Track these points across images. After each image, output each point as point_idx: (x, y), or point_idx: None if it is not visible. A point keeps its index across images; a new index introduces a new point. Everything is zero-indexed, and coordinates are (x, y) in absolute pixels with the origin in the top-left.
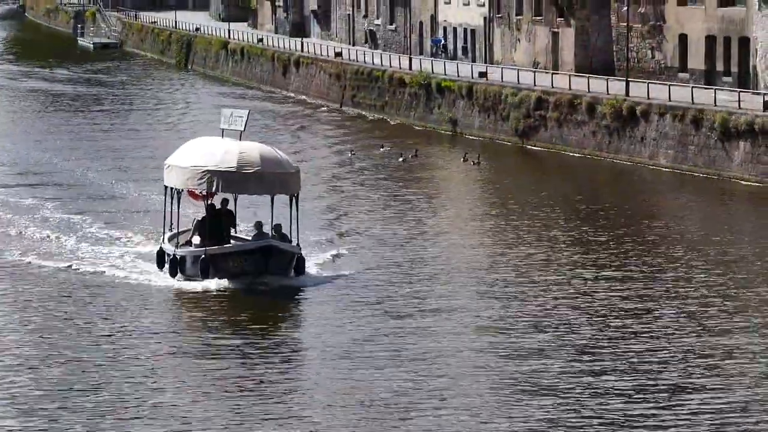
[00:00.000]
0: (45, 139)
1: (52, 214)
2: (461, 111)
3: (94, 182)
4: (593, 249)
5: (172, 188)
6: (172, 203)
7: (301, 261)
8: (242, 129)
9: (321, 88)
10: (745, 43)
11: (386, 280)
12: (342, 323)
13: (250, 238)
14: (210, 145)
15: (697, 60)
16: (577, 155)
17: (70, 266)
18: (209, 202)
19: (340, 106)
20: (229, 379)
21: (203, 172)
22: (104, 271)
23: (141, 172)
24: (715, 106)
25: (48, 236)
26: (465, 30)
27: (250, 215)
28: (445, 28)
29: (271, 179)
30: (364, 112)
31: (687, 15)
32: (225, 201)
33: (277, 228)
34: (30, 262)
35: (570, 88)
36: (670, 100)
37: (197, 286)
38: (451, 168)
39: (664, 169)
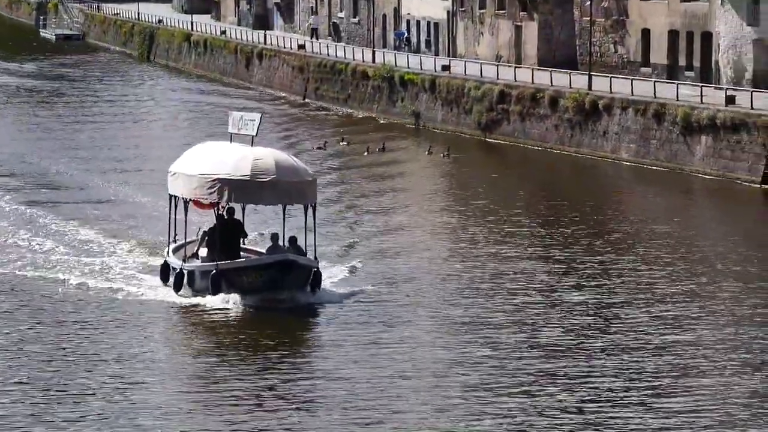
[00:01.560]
0: (13, 136)
1: (38, 220)
2: (424, 104)
3: (77, 183)
4: (557, 245)
5: (177, 197)
6: (176, 213)
7: (317, 276)
8: (254, 134)
9: (284, 80)
10: (707, 37)
11: (403, 294)
12: (363, 345)
13: (260, 250)
14: (219, 151)
15: (659, 54)
16: (540, 149)
17: (64, 279)
18: (219, 212)
19: (304, 99)
20: (241, 404)
21: (214, 180)
22: (101, 285)
23: (122, 172)
24: (678, 100)
25: (37, 244)
26: (428, 23)
27: (252, 225)
28: (408, 22)
29: (286, 188)
30: (327, 105)
31: (650, 9)
32: (231, 210)
33: (292, 240)
34: (18, 274)
35: (533, 82)
36: (632, 95)
37: (206, 302)
38: (420, 162)
39: (626, 163)
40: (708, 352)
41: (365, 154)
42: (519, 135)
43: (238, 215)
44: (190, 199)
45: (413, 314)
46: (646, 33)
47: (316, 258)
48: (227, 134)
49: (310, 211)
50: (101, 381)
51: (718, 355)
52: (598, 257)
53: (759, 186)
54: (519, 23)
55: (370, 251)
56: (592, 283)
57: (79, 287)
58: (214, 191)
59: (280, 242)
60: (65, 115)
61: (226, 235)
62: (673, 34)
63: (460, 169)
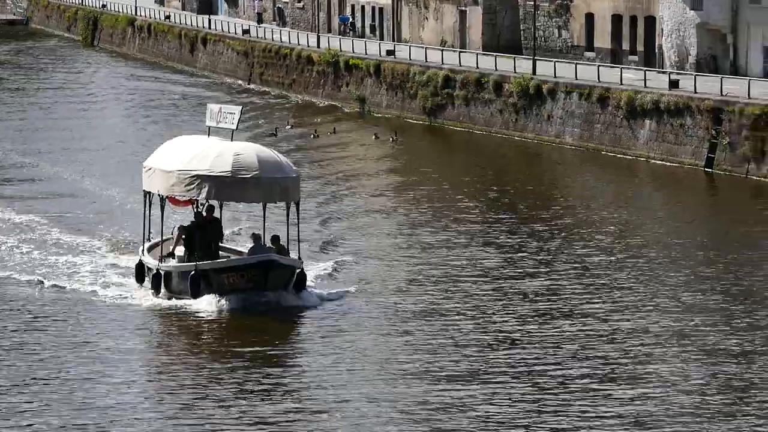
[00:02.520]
0: None
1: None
2: (369, 89)
3: (33, 174)
4: (506, 231)
5: (152, 194)
6: (151, 210)
7: (301, 276)
8: (234, 127)
9: (228, 65)
10: (651, 22)
11: (389, 292)
12: (348, 349)
13: (240, 249)
14: (198, 146)
15: (603, 39)
16: (485, 133)
17: (32, 280)
18: (198, 209)
19: (248, 84)
20: (223, 413)
21: (193, 176)
22: (72, 286)
23: (78, 163)
24: (622, 84)
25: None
26: (373, 8)
27: (228, 222)
28: (353, 6)
29: (270, 185)
30: (271, 90)
31: None
32: (211, 208)
33: (274, 239)
34: None
35: (477, 67)
36: (576, 79)
37: (185, 304)
38: (368, 148)
39: (570, 147)
40: (656, 338)
41: (312, 137)
42: (464, 119)
43: (216, 213)
44: (167, 196)
45: (376, 308)
46: (590, 17)
47: (299, 258)
48: (171, 120)
49: (293, 208)
50: (74, 389)
51: (666, 341)
52: (545, 243)
53: (703, 170)
54: (463, 8)
55: (333, 247)
56: (541, 270)
57: (46, 289)
58: (193, 188)
59: (262, 242)
60: (10, 102)
61: (204, 234)
62: (616, 19)
63: (407, 154)
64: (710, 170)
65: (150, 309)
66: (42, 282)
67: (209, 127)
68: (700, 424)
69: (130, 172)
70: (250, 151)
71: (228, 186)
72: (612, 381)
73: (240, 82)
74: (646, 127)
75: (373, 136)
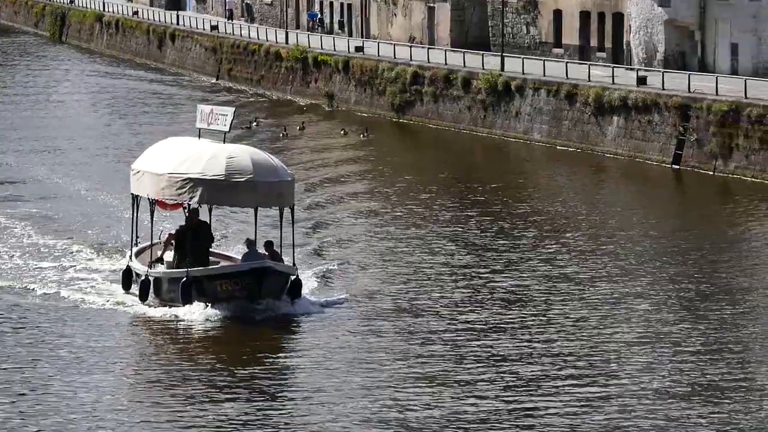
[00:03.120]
0: None
1: None
2: (338, 85)
3: (11, 174)
4: (474, 229)
5: (141, 197)
6: (138, 214)
7: (297, 283)
8: (227, 129)
9: (197, 61)
10: (619, 18)
11: (387, 299)
12: (345, 360)
13: (231, 255)
14: (189, 148)
15: (571, 35)
16: (453, 130)
17: (12, 286)
18: (187, 213)
19: (216, 80)
20: (214, 417)
21: (184, 180)
22: (54, 293)
23: (58, 164)
24: (590, 81)
25: None
26: (341, 4)
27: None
28: (321, 2)
29: (264, 189)
30: (240, 86)
31: None
32: (195, 211)
33: (268, 245)
34: None
35: (446, 63)
36: (544, 75)
37: (175, 312)
38: (338, 144)
39: (538, 144)
40: (625, 334)
41: (281, 136)
42: (433, 116)
43: (202, 216)
44: (156, 200)
45: (373, 312)
46: (558, 14)
47: (294, 264)
48: (140, 117)
49: (287, 213)
50: (54, 403)
51: (634, 337)
52: (514, 240)
53: (670, 166)
54: (432, 4)
55: (318, 252)
56: (510, 267)
57: (26, 296)
58: (185, 191)
59: (255, 247)
60: None
61: (194, 239)
62: (584, 15)
63: (378, 152)
64: (678, 167)
65: (137, 318)
66: (17, 288)
67: (199, 129)
68: (669, 421)
69: (104, 171)
70: (243, 154)
71: (221, 190)
72: (581, 378)
73: (212, 79)
74: (613, 124)
75: (341, 132)
